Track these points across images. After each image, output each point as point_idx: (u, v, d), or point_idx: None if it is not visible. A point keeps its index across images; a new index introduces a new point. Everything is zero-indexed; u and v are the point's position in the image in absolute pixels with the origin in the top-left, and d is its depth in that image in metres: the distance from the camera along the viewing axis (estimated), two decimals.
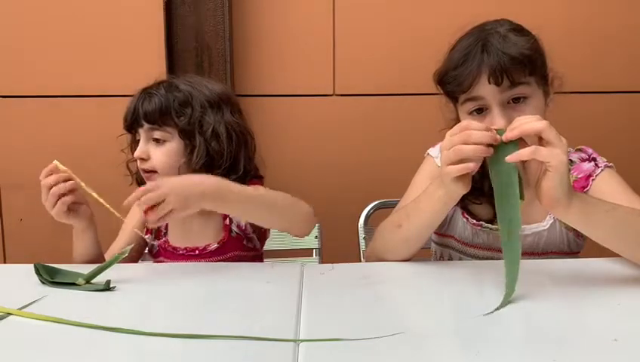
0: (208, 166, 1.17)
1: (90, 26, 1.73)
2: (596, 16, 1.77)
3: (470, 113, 1.07)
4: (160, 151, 1.16)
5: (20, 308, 0.84)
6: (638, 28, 1.79)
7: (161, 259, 1.25)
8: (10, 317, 0.82)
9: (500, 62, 1.01)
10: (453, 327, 0.80)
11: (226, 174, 1.17)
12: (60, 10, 1.73)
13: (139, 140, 1.18)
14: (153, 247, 1.27)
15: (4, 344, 0.75)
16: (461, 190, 0.93)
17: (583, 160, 1.14)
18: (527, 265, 1.02)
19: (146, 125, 1.16)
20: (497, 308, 0.81)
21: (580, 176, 1.11)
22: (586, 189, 1.10)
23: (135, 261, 1.29)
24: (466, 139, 0.88)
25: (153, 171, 1.16)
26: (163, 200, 0.97)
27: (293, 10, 1.77)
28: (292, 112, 1.79)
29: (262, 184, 1.23)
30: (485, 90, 1.03)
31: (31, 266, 0.99)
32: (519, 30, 1.07)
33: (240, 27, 1.77)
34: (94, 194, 1.07)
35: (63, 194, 1.06)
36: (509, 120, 1.02)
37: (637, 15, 1.78)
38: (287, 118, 1.79)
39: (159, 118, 1.15)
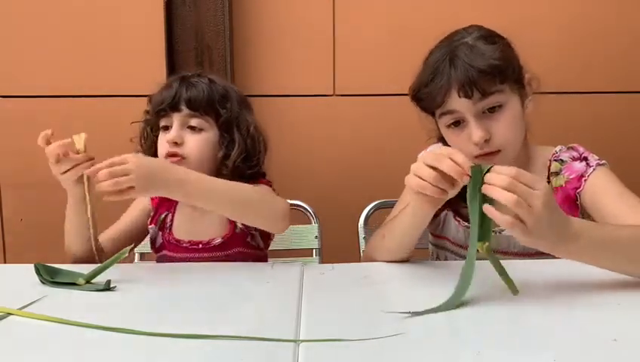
0: (244, 162, 1.20)
1: (91, 26, 1.73)
2: (597, 17, 1.77)
3: (448, 127, 1.08)
4: (196, 138, 1.17)
5: (20, 308, 0.84)
6: (638, 28, 1.79)
7: (165, 252, 1.25)
8: (10, 317, 0.82)
9: (467, 75, 1.01)
10: (453, 327, 0.80)
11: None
12: (60, 10, 1.73)
13: (162, 127, 1.18)
14: (156, 241, 1.27)
15: (4, 344, 0.75)
16: (426, 210, 0.96)
17: (574, 159, 1.13)
18: (524, 265, 1.03)
19: (186, 110, 1.17)
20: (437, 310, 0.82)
21: (571, 177, 1.11)
22: (578, 190, 1.09)
23: (136, 241, 1.28)
24: (436, 162, 0.87)
25: (182, 157, 1.16)
26: (126, 175, 0.96)
27: (293, 10, 1.77)
28: (292, 112, 1.79)
29: (271, 185, 1.25)
30: (458, 103, 1.03)
31: (31, 266, 0.99)
32: (488, 37, 1.05)
33: (240, 27, 1.77)
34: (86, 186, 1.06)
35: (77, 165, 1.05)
36: (486, 130, 1.03)
37: (637, 15, 1.78)
38: (287, 118, 1.79)
39: (204, 106, 1.17)
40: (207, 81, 1.20)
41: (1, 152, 1.78)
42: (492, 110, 1.04)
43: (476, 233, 0.83)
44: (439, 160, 0.86)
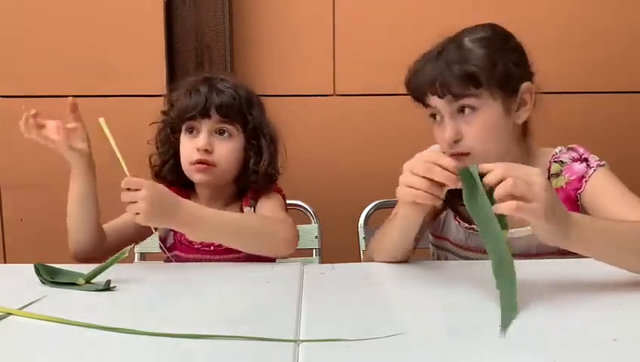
0: (272, 168, 1.22)
1: (91, 26, 1.73)
2: (596, 17, 1.77)
3: (430, 118, 1.10)
4: (225, 145, 1.18)
5: (20, 308, 0.84)
6: (638, 28, 1.79)
7: (176, 253, 1.25)
8: (10, 317, 0.82)
9: (442, 76, 1.02)
10: (453, 327, 0.80)
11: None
12: (60, 10, 1.73)
13: (187, 129, 1.18)
14: (167, 241, 1.27)
15: (4, 344, 0.75)
16: (417, 216, 0.97)
17: (574, 160, 1.13)
18: (525, 266, 1.02)
19: (216, 117, 1.17)
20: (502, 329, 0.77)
21: (572, 178, 1.11)
22: (579, 191, 1.09)
23: (141, 235, 1.28)
24: (427, 172, 0.87)
25: (212, 165, 1.17)
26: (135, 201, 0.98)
27: (293, 10, 1.77)
28: (292, 112, 1.79)
29: (282, 194, 1.27)
30: (434, 100, 1.05)
31: (31, 266, 0.99)
32: (487, 40, 1.05)
33: (240, 27, 1.77)
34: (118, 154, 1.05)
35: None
36: (457, 131, 1.04)
37: (637, 15, 1.78)
38: (287, 118, 1.78)
39: (234, 113, 1.17)
40: (233, 85, 1.20)
41: (1, 152, 1.78)
42: (467, 110, 1.05)
43: (493, 230, 0.82)
44: (430, 169, 0.87)
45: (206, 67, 1.71)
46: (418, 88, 1.07)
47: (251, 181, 1.22)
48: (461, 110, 1.05)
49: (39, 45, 1.74)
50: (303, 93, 1.80)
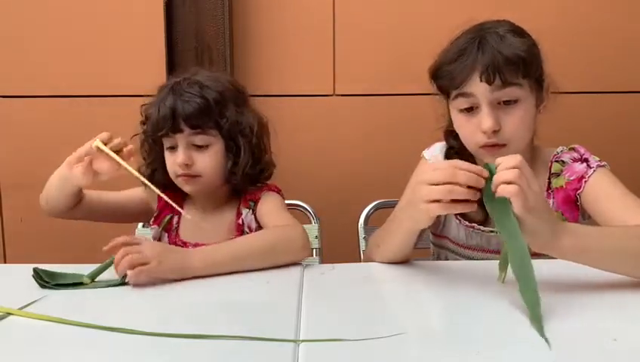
0: (253, 165, 1.18)
1: (91, 26, 1.73)
2: (597, 16, 1.77)
3: (461, 111, 1.08)
4: (205, 155, 1.15)
5: (20, 308, 0.84)
6: (638, 28, 1.79)
7: None
8: (10, 317, 0.82)
9: (493, 60, 1.01)
10: (453, 327, 0.80)
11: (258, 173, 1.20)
12: (60, 10, 1.73)
13: (168, 147, 1.16)
14: (161, 241, 1.26)
15: (4, 344, 0.75)
16: (425, 224, 0.94)
17: (575, 160, 1.13)
18: None
19: (188, 130, 1.13)
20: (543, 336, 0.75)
21: (572, 178, 1.11)
22: (579, 191, 1.09)
23: (137, 220, 1.29)
24: (451, 178, 0.83)
25: (198, 176, 1.15)
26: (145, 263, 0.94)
27: (293, 10, 1.77)
28: (292, 112, 1.79)
29: (279, 192, 1.24)
30: (477, 87, 1.03)
31: (31, 266, 0.99)
32: (518, 32, 1.07)
33: (240, 27, 1.77)
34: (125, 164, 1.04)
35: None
36: (497, 121, 1.03)
37: (637, 15, 1.78)
38: (287, 118, 1.79)
39: (205, 121, 1.13)
40: (199, 91, 1.14)
41: (1, 152, 1.78)
42: (507, 103, 1.04)
43: (513, 231, 0.82)
44: (455, 174, 0.84)
45: (206, 67, 1.70)
46: (458, 74, 1.04)
47: (233, 184, 1.19)
48: (501, 101, 1.04)
49: (39, 45, 1.74)
50: (303, 93, 1.80)
